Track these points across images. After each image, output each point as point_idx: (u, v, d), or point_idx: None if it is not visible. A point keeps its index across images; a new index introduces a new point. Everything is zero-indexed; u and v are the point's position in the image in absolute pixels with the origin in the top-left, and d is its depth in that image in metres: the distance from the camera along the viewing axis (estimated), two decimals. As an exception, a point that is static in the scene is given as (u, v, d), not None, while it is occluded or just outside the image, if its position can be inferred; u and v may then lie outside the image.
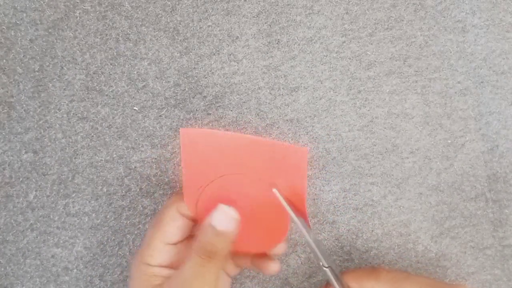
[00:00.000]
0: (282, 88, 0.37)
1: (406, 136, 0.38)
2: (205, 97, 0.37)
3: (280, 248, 0.34)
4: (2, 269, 0.36)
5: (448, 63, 0.38)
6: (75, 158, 0.36)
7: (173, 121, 0.37)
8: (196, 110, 0.37)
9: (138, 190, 0.37)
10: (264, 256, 0.33)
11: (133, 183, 0.37)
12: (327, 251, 0.38)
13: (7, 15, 0.36)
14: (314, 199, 0.38)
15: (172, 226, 0.32)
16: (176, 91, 0.37)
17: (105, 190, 0.37)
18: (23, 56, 0.36)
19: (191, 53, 0.37)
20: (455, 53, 0.39)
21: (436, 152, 0.38)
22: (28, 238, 0.36)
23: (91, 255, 0.37)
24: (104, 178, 0.36)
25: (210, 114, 0.37)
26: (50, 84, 0.36)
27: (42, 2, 0.36)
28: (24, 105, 0.36)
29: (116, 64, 0.37)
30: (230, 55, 0.37)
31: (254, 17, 0.37)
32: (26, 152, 0.36)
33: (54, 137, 0.36)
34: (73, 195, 0.36)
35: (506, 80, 0.39)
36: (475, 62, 0.39)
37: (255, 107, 0.37)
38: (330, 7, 0.38)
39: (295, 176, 0.31)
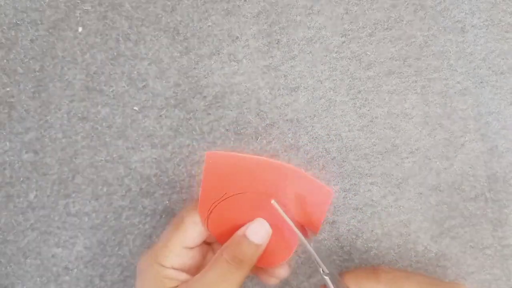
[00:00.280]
0: (282, 88, 0.37)
1: (406, 136, 0.38)
2: (205, 97, 0.37)
3: (283, 272, 0.34)
4: (3, 269, 0.36)
5: (447, 63, 0.39)
6: (75, 158, 0.36)
7: (173, 121, 0.37)
8: (196, 110, 0.37)
9: (138, 190, 0.37)
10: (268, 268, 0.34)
11: (133, 183, 0.37)
12: (327, 258, 0.38)
13: (8, 15, 0.36)
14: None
15: (194, 230, 0.32)
16: (176, 91, 0.37)
17: (105, 190, 0.37)
18: (23, 56, 0.36)
19: (191, 53, 0.37)
20: (454, 53, 0.39)
21: (436, 152, 0.38)
22: (28, 238, 0.36)
23: (91, 255, 0.37)
24: (104, 178, 0.37)
25: (210, 114, 0.37)
26: (51, 84, 0.36)
27: (42, 2, 0.36)
28: (24, 105, 0.36)
29: (116, 64, 0.37)
30: (230, 55, 0.37)
31: (254, 17, 0.37)
32: (26, 152, 0.36)
33: (54, 137, 0.36)
34: (73, 195, 0.36)
35: (505, 80, 0.39)
36: (475, 62, 0.39)
37: (255, 107, 0.37)
38: (330, 7, 0.38)
39: (314, 210, 0.31)
